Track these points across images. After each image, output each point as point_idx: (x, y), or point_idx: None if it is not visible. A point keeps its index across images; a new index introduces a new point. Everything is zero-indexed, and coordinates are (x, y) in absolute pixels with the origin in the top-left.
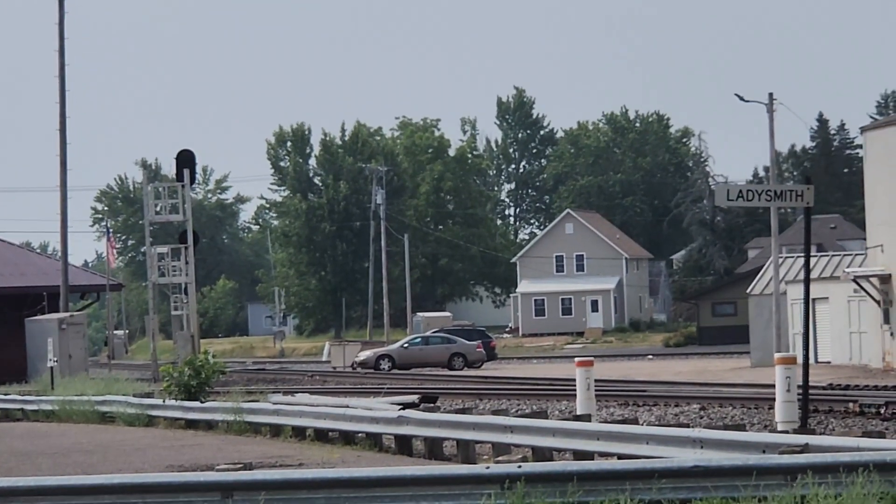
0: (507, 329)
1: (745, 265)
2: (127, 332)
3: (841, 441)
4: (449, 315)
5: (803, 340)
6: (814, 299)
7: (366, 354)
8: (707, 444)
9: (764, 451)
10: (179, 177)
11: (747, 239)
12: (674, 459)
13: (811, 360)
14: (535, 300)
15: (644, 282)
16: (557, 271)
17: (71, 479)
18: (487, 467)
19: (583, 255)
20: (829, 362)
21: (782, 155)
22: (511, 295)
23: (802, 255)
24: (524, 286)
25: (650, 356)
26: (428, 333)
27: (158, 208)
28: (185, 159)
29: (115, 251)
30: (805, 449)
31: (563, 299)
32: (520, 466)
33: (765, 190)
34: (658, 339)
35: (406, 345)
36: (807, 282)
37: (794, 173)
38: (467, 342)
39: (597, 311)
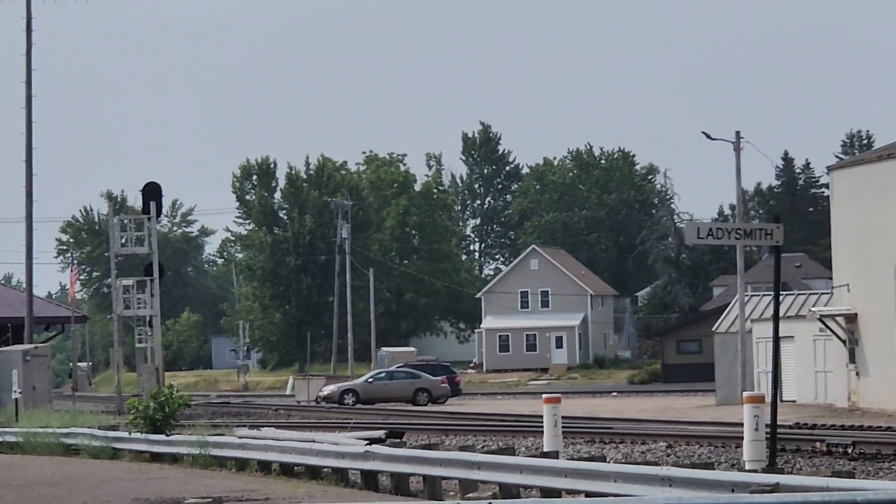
0: (471, 364)
1: (711, 303)
2: (91, 364)
3: (810, 481)
4: (413, 350)
5: (772, 379)
6: (779, 338)
7: (330, 389)
8: (676, 482)
9: (733, 490)
10: (146, 209)
11: (712, 277)
12: (643, 498)
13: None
14: (500, 336)
15: (609, 318)
16: (522, 307)
17: None
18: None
19: (548, 291)
20: (794, 401)
21: (748, 193)
22: (475, 330)
23: (768, 293)
24: (489, 322)
25: (615, 393)
26: (392, 368)
27: (124, 240)
28: (152, 192)
29: (77, 282)
30: (776, 488)
31: (527, 335)
32: (490, 503)
33: (734, 228)
34: (622, 376)
35: (370, 379)
36: (776, 320)
37: (760, 211)
38: (432, 377)
39: (561, 347)
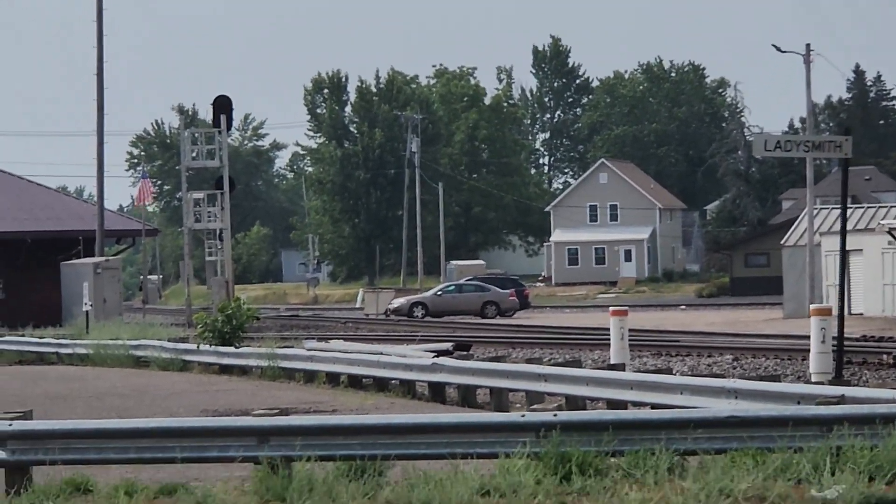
0: (539, 278)
1: (779, 216)
2: (161, 277)
3: (877, 393)
4: (482, 263)
5: (839, 292)
6: (847, 251)
7: (399, 302)
8: (742, 394)
9: (798, 402)
10: (216, 122)
11: (781, 190)
12: (709, 410)
13: (844, 312)
14: (569, 249)
15: (677, 232)
16: (591, 221)
17: (108, 423)
18: (523, 415)
19: (616, 205)
20: (861, 314)
21: (818, 106)
22: (544, 244)
23: (837, 206)
24: (557, 235)
25: (683, 306)
26: (461, 281)
27: (195, 154)
28: (222, 105)
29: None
30: (841, 400)
31: (596, 249)
32: (555, 415)
33: (803, 141)
34: (690, 290)
35: (439, 292)
36: (843, 233)
37: (830, 124)
38: (500, 290)
39: (630, 260)
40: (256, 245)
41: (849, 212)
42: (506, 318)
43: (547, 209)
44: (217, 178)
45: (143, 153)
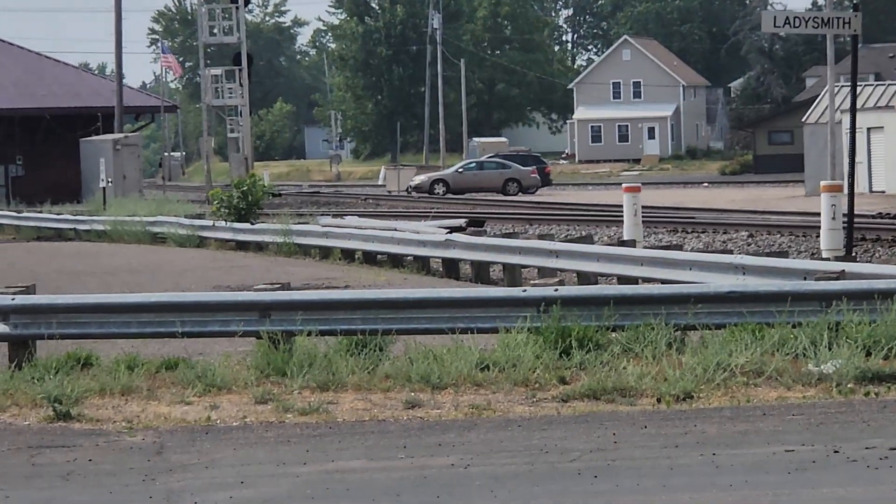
0: (563, 155)
1: (803, 94)
2: (184, 154)
3: (879, 269)
4: (505, 140)
5: (848, 168)
6: (869, 129)
7: (420, 179)
8: (749, 270)
9: (804, 278)
10: None
11: (805, 67)
12: (709, 285)
13: (865, 190)
14: (592, 127)
15: (701, 109)
16: (614, 98)
17: (110, 297)
18: (524, 290)
19: (640, 82)
20: (883, 191)
21: None
22: (567, 121)
23: (861, 83)
24: (581, 112)
25: (706, 184)
26: (483, 158)
27: (214, 30)
28: None
29: (177, 64)
30: (841, 276)
31: (619, 126)
32: (556, 290)
33: (811, 17)
34: (714, 167)
35: (461, 170)
36: (853, 110)
37: (855, 1)
38: (522, 168)
39: (653, 138)
40: (279, 122)
41: (870, 89)
42: (527, 195)
43: (570, 86)
44: (236, 53)
45: (163, 29)
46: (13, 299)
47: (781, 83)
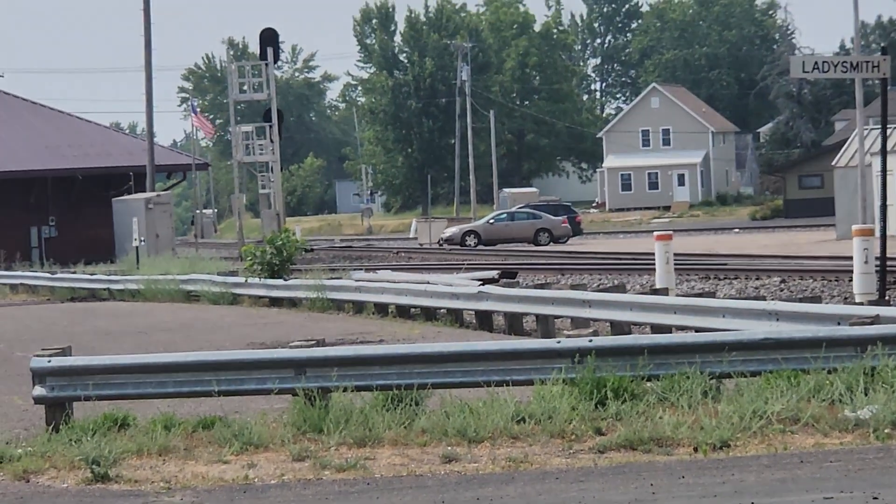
0: (593, 204)
1: (833, 137)
2: (216, 211)
3: None
4: (535, 191)
5: (880, 211)
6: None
7: (452, 231)
8: (782, 316)
9: (838, 323)
10: (263, 55)
11: (834, 111)
12: (744, 332)
13: (894, 233)
14: (622, 175)
15: (731, 155)
16: (643, 145)
17: (146, 358)
18: (559, 342)
19: (669, 129)
20: None
21: (869, 26)
22: (597, 170)
23: (890, 126)
24: (610, 161)
25: (737, 229)
26: (514, 209)
27: (244, 87)
28: (268, 37)
29: (208, 123)
30: (875, 320)
31: (649, 173)
32: (591, 340)
33: (840, 61)
34: (745, 213)
35: (492, 221)
36: (884, 153)
37: (882, 44)
38: (553, 217)
39: (683, 184)
40: (310, 177)
41: None
42: (559, 244)
43: (599, 135)
44: (266, 110)
45: (193, 87)
46: (49, 361)
47: (810, 127)
